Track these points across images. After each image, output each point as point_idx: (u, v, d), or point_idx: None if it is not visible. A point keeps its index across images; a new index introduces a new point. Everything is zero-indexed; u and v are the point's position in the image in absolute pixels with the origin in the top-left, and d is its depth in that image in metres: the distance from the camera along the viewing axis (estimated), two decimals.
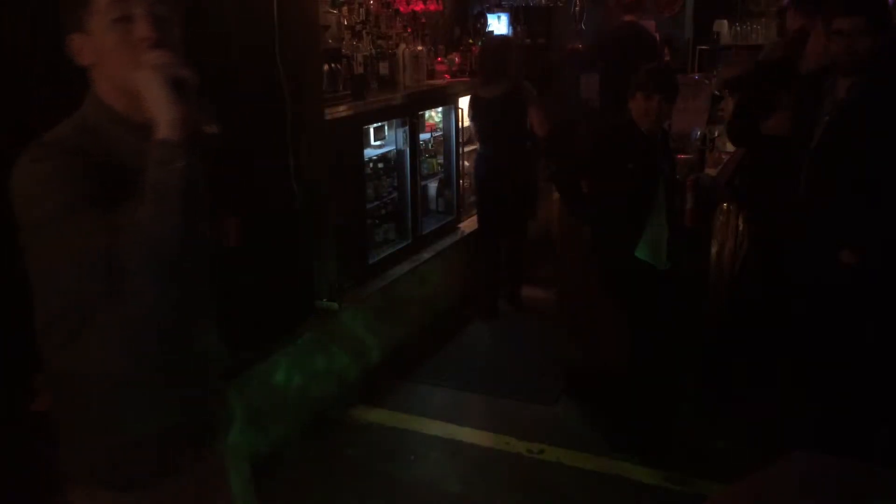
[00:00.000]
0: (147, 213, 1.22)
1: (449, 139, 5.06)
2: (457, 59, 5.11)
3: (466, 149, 5.25)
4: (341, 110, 3.80)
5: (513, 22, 6.32)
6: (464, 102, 5.20)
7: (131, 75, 1.28)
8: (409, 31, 4.78)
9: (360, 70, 4.14)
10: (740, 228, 4.02)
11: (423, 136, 4.80)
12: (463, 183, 5.24)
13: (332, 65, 3.80)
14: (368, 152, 4.30)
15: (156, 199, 1.22)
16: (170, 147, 1.23)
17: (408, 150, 4.54)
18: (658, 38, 5.80)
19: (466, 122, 5.29)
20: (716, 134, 4.76)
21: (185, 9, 1.39)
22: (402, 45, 4.60)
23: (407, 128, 4.50)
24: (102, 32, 1.31)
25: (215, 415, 1.61)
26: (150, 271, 1.24)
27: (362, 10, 4.48)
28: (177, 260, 1.25)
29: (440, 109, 5.03)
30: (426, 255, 4.63)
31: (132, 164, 1.28)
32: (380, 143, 4.50)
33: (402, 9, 4.84)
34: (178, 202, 1.22)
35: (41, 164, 1.27)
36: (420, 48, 4.71)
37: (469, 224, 5.18)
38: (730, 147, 4.70)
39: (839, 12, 2.77)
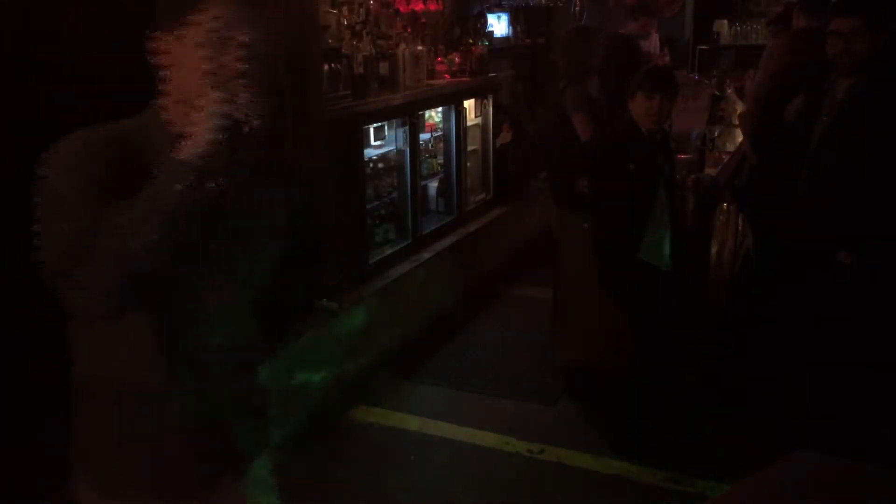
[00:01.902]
0: (128, 217, 1.19)
1: (449, 139, 5.06)
2: (457, 59, 5.11)
3: (469, 148, 5.27)
4: (341, 110, 3.80)
5: (513, 22, 6.32)
6: (468, 104, 5.20)
7: (201, 92, 1.25)
8: (409, 31, 4.78)
9: (360, 70, 4.14)
10: (740, 228, 4.03)
11: (423, 136, 4.81)
12: (467, 183, 5.24)
13: (332, 65, 3.80)
14: (368, 152, 4.30)
15: (143, 207, 1.19)
16: (183, 166, 1.20)
17: (408, 150, 4.54)
18: (657, 39, 5.77)
19: (470, 122, 5.30)
20: (716, 134, 4.76)
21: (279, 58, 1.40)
22: (402, 45, 4.60)
23: (407, 128, 4.50)
24: (195, 43, 1.28)
25: (238, 440, 1.54)
26: (101, 269, 1.19)
27: (362, 10, 4.47)
28: (132, 273, 1.20)
29: (440, 109, 5.03)
30: (426, 255, 4.63)
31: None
32: (380, 143, 4.50)
33: (402, 9, 4.84)
34: (160, 220, 1.19)
35: (63, 145, 1.29)
36: (420, 48, 4.71)
37: (473, 224, 5.20)
38: (730, 147, 4.71)
39: (836, 13, 2.77)
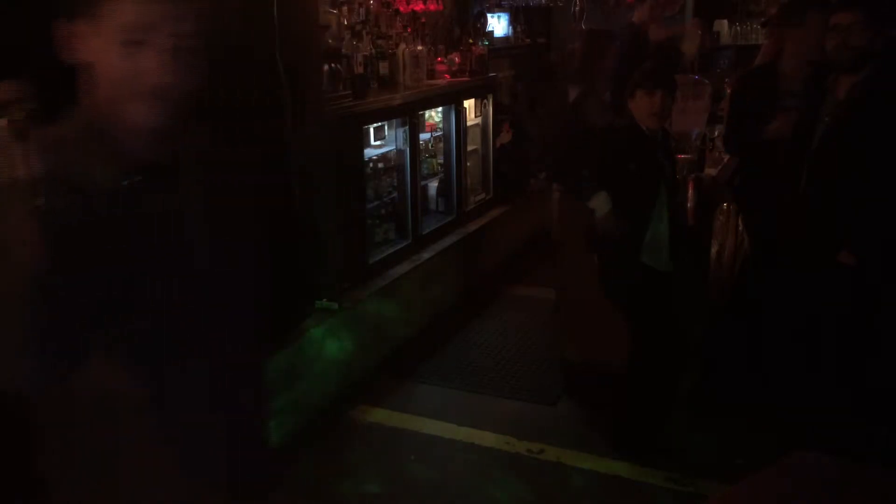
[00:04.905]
0: None
1: (449, 139, 5.07)
2: (457, 59, 5.11)
3: (469, 148, 5.27)
4: (341, 110, 3.81)
5: (513, 22, 6.32)
6: (468, 104, 5.20)
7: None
8: (409, 31, 4.78)
9: (360, 70, 4.14)
10: (740, 228, 4.02)
11: (423, 136, 4.81)
12: (467, 183, 5.24)
13: (332, 65, 3.81)
14: (368, 152, 4.30)
15: None
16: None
17: (408, 150, 4.55)
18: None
19: (470, 122, 5.30)
20: (716, 134, 4.76)
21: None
22: (402, 45, 4.60)
23: (407, 128, 4.50)
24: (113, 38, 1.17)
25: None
26: None
27: (362, 10, 4.48)
28: None
29: (440, 109, 5.03)
30: (426, 255, 4.63)
31: None
32: (380, 143, 4.50)
33: (402, 9, 4.84)
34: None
35: None
36: (420, 48, 4.72)
37: (473, 224, 5.20)
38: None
39: (837, 7, 2.77)
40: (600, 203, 3.23)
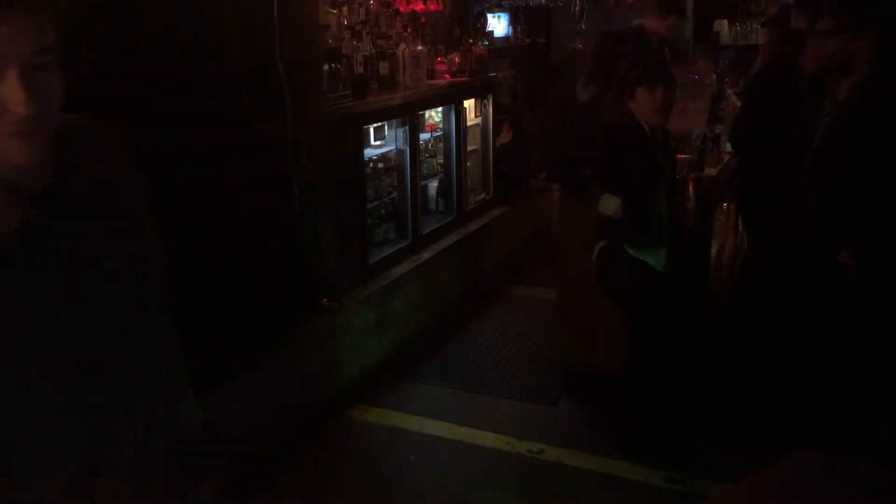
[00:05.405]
0: None
1: (449, 139, 5.07)
2: (457, 59, 5.11)
3: (469, 148, 5.27)
4: (341, 110, 3.81)
5: (513, 22, 6.32)
6: (468, 104, 5.20)
7: None
8: (409, 31, 4.78)
9: (360, 70, 4.14)
10: (740, 228, 4.03)
11: (423, 136, 4.81)
12: (467, 183, 5.24)
13: (332, 65, 3.81)
14: (368, 152, 4.30)
15: None
16: None
17: (408, 150, 4.55)
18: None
19: (470, 122, 5.30)
20: (717, 131, 4.76)
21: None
22: (402, 45, 4.60)
23: (407, 128, 4.50)
24: None
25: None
26: None
27: (362, 10, 4.48)
28: None
29: (440, 109, 5.03)
30: (426, 255, 4.64)
31: None
32: (380, 143, 4.50)
33: (402, 9, 4.84)
34: None
35: None
36: (420, 48, 4.72)
37: (473, 224, 5.20)
38: (730, 147, 4.71)
39: (819, 13, 2.79)
40: (607, 204, 3.24)
